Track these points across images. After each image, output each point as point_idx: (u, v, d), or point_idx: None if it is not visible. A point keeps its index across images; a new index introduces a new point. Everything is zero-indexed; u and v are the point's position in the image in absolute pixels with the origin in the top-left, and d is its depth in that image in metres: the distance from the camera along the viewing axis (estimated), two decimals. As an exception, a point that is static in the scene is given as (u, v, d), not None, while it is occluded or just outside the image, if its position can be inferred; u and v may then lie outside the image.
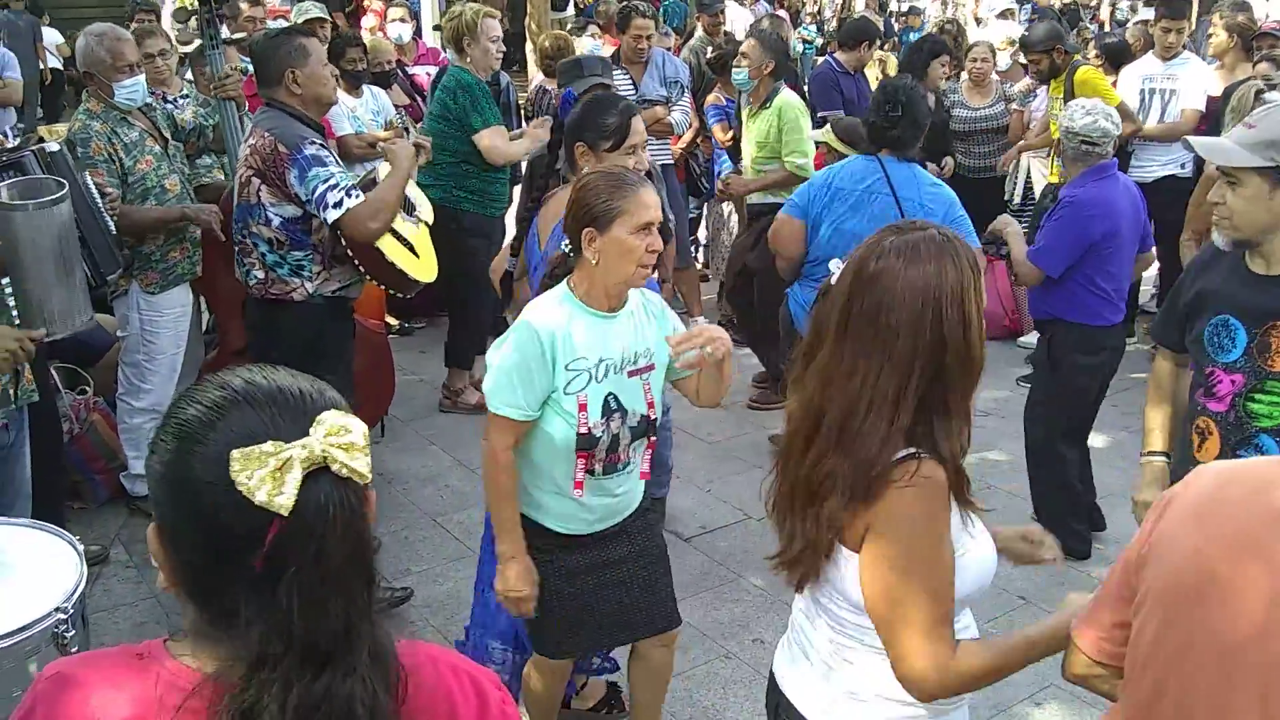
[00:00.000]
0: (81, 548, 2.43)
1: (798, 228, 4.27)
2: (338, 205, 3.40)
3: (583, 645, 2.82)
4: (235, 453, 1.02)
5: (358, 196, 3.46)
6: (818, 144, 5.12)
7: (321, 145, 3.51)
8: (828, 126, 5.02)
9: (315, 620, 1.03)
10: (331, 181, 3.41)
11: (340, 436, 1.05)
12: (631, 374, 2.56)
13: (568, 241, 2.52)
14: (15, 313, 3.12)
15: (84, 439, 4.48)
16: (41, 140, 4.84)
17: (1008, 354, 6.27)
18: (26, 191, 3.07)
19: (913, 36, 11.55)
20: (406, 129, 5.82)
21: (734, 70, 5.79)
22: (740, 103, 6.01)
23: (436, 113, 5.33)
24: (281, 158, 3.42)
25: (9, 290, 3.11)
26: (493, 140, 5.21)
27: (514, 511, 2.57)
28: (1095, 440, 4.63)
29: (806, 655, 1.91)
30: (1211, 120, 6.13)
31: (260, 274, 3.60)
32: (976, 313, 1.69)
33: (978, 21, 13.42)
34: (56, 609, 2.18)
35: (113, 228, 3.76)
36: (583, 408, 2.47)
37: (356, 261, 3.60)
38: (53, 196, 2.99)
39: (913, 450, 1.68)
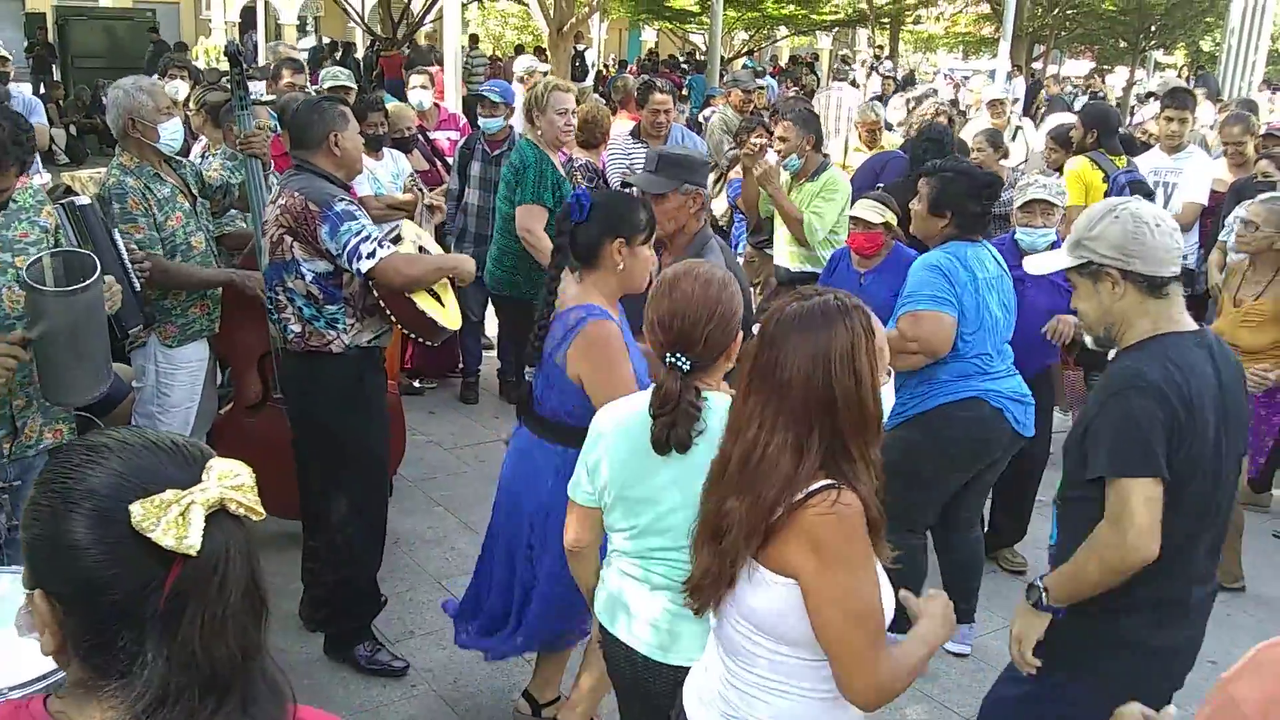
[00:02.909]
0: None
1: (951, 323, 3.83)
2: (371, 255, 3.47)
3: None
4: (135, 505, 1.10)
5: (389, 248, 3.55)
6: (869, 225, 4.68)
7: (351, 202, 3.61)
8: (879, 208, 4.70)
9: (216, 650, 1.12)
10: (364, 234, 3.49)
11: (233, 479, 1.14)
12: None
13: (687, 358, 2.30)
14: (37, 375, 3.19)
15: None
16: (69, 190, 4.94)
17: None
18: (68, 263, 3.13)
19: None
20: (422, 190, 5.91)
21: (777, 153, 5.80)
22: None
23: (504, 193, 5.50)
24: (312, 215, 3.50)
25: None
26: (525, 216, 5.30)
27: None
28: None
29: (708, 681, 2.10)
30: (1215, 213, 6.25)
31: (297, 327, 3.65)
32: (869, 371, 1.88)
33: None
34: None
35: (138, 284, 3.81)
36: None
37: (388, 310, 3.66)
38: (82, 285, 3.04)
39: (830, 481, 1.85)
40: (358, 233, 3.49)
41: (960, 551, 4.25)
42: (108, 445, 1.15)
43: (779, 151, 5.79)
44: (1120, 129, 7.31)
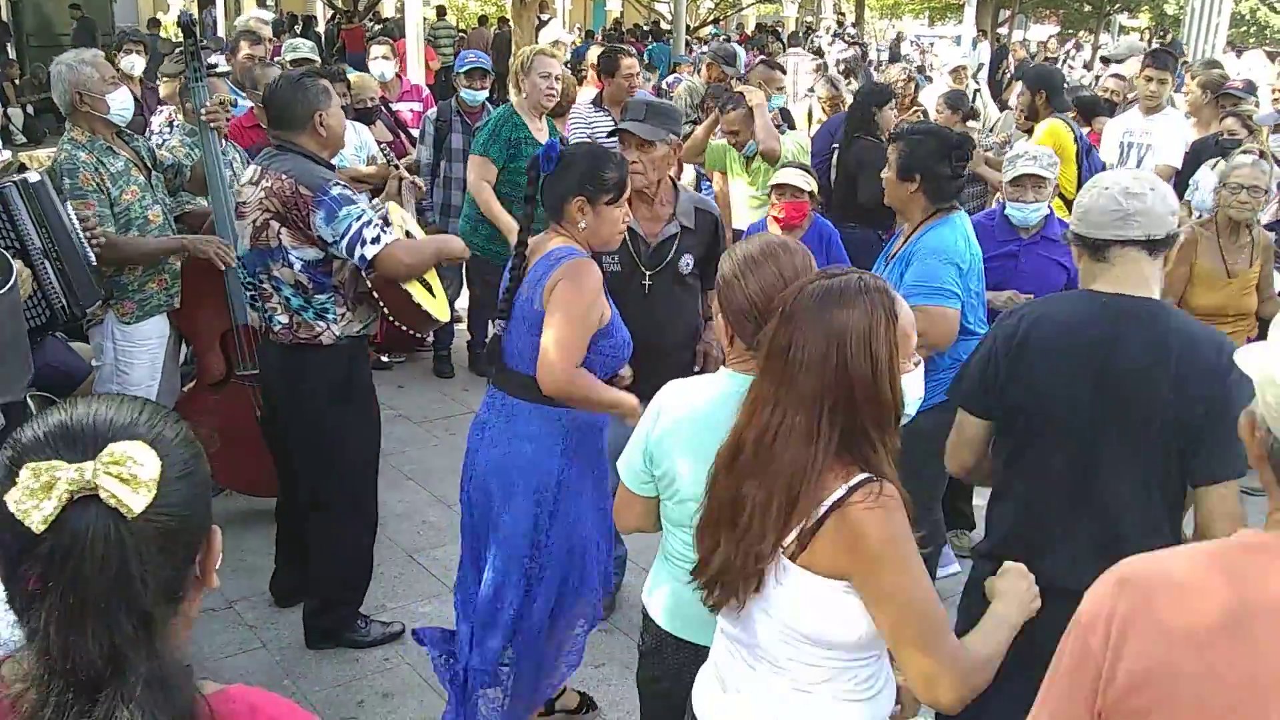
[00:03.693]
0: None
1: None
2: (375, 241, 3.32)
3: None
4: (25, 469, 1.07)
5: (392, 234, 3.41)
6: (798, 193, 4.63)
7: (345, 185, 3.44)
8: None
9: (73, 647, 1.05)
10: (365, 219, 3.33)
11: (122, 466, 1.08)
12: None
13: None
14: None
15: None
16: (24, 168, 4.84)
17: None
18: None
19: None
20: (394, 164, 5.85)
21: (724, 139, 5.76)
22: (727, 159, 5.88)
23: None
24: (304, 200, 3.32)
25: None
26: (470, 167, 5.34)
27: None
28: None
29: (724, 688, 1.95)
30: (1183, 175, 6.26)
31: (285, 318, 3.50)
32: (887, 356, 1.76)
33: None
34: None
35: (93, 259, 3.74)
36: None
37: (381, 301, 3.53)
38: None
39: (869, 475, 1.75)
40: (358, 218, 3.31)
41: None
42: (57, 409, 1.15)
43: (734, 144, 5.70)
44: (1077, 90, 7.37)
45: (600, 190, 2.92)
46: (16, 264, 3.17)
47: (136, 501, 1.07)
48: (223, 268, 4.14)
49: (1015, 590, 1.98)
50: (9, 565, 1.09)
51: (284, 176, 3.35)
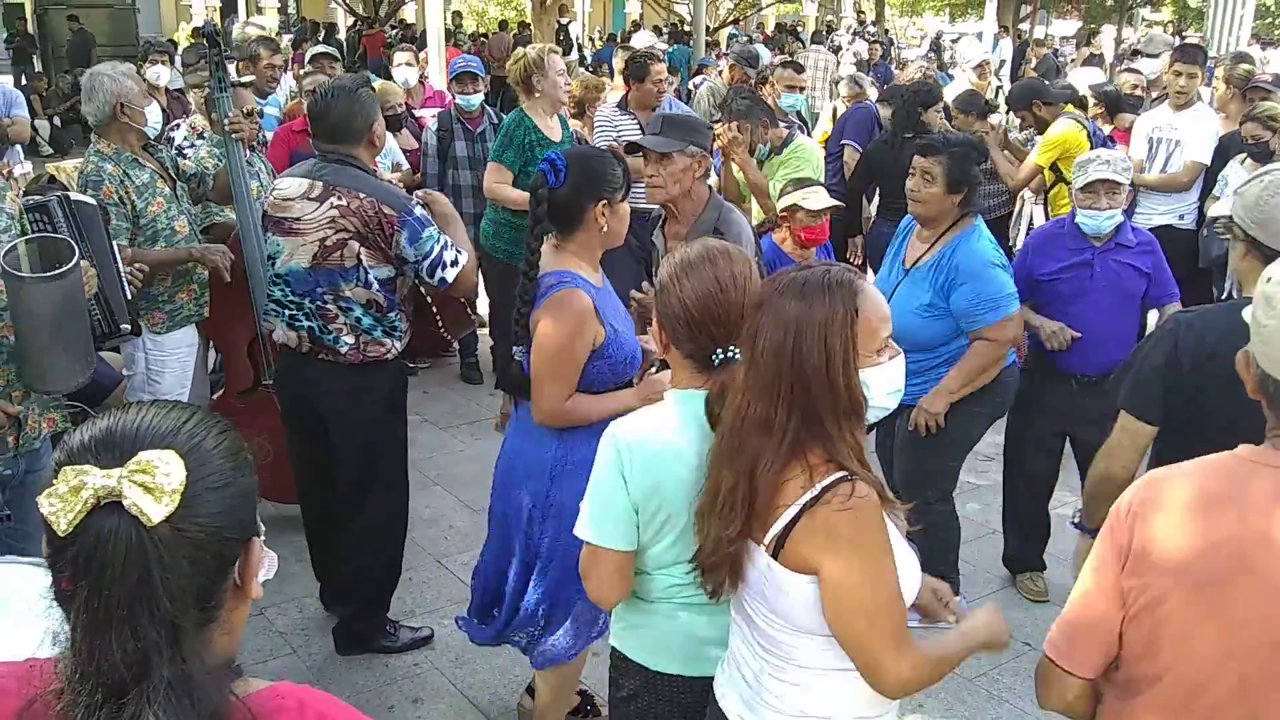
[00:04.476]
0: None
1: None
2: (454, 264, 3.38)
3: None
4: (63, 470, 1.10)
5: (465, 256, 3.45)
6: (817, 215, 4.69)
7: (417, 203, 3.45)
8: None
9: (99, 648, 1.07)
10: (444, 241, 3.38)
11: (147, 475, 1.09)
12: None
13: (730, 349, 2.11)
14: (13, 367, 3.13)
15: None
16: (52, 180, 4.89)
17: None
18: (44, 250, 3.08)
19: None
20: (421, 182, 5.87)
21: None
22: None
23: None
24: (390, 220, 3.31)
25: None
26: (490, 175, 5.30)
27: None
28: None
29: (745, 679, 1.98)
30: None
31: (351, 339, 3.46)
32: (841, 349, 1.78)
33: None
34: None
35: (129, 291, 3.73)
36: None
37: (437, 313, 3.63)
38: (59, 270, 2.99)
39: (843, 474, 1.77)
40: (438, 239, 3.36)
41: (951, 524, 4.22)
42: (111, 414, 1.18)
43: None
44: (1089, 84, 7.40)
45: (615, 190, 2.93)
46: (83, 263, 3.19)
47: (156, 510, 1.08)
48: (227, 279, 4.17)
49: (990, 620, 2.02)
50: (50, 567, 1.12)
51: (362, 195, 3.31)
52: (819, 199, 4.69)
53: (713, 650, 2.14)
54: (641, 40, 10.97)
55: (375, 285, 3.40)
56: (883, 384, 1.89)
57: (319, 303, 3.44)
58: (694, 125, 3.76)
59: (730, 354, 2.06)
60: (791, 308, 1.80)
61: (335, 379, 3.55)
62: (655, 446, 2.07)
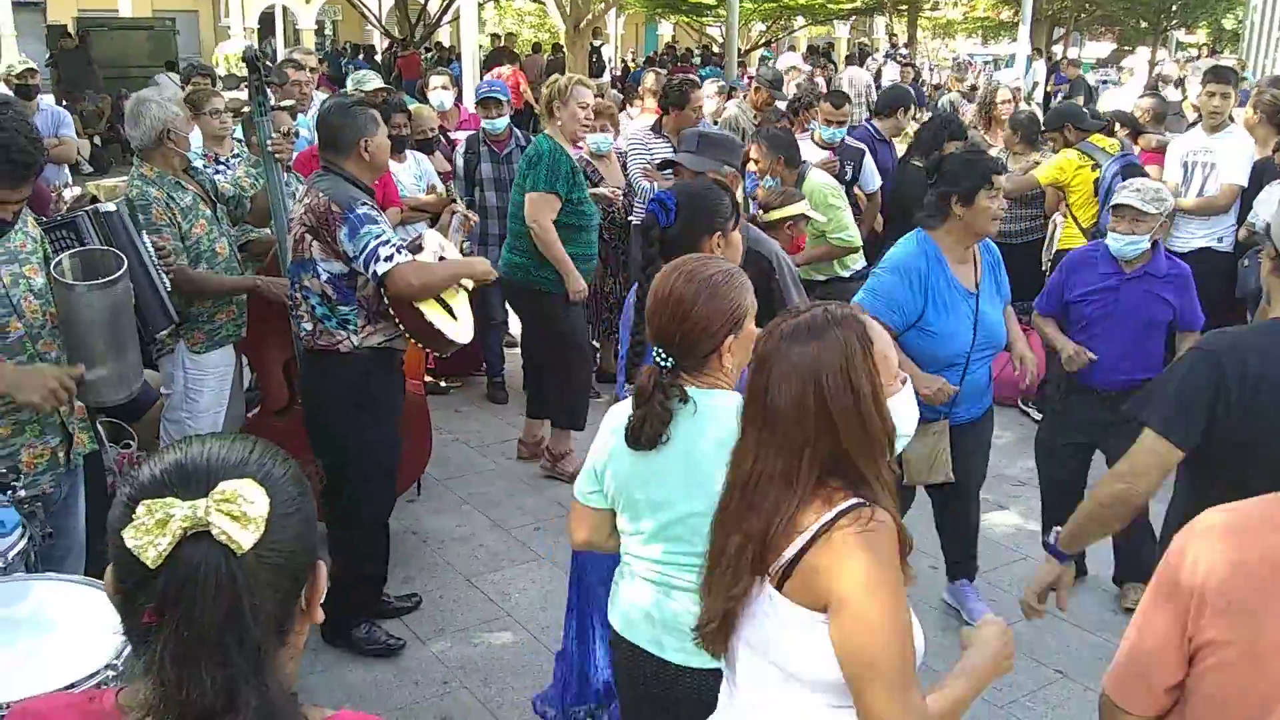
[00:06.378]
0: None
1: None
2: (388, 259, 3.54)
3: None
4: (141, 506, 1.10)
5: (406, 256, 3.62)
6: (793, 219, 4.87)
7: (373, 207, 3.68)
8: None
9: (188, 679, 1.08)
10: (383, 238, 3.57)
11: (232, 504, 1.11)
12: None
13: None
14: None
15: (126, 493, 4.53)
16: (95, 199, 4.98)
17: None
18: (87, 262, 3.15)
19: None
20: (454, 199, 5.88)
21: (748, 174, 5.75)
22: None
23: (519, 181, 5.44)
24: (334, 216, 3.57)
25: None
26: (534, 205, 5.23)
27: None
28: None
29: None
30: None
31: (309, 325, 3.75)
32: (869, 384, 1.72)
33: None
34: (108, 665, 2.20)
35: (167, 285, 3.85)
36: None
37: (396, 318, 3.73)
38: (110, 277, 3.06)
39: (860, 500, 1.70)
40: (378, 236, 3.56)
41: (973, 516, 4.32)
42: (174, 449, 1.20)
43: (754, 172, 5.65)
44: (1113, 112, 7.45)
45: (727, 219, 3.00)
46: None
47: (246, 538, 1.10)
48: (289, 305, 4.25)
49: (991, 643, 1.91)
50: (126, 600, 1.13)
51: (321, 194, 3.61)
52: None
53: (654, 628, 2.29)
54: (785, 62, 11.48)
55: (325, 277, 3.67)
56: (905, 411, 1.87)
57: (292, 290, 3.79)
58: (730, 145, 3.86)
59: (661, 356, 2.20)
60: (802, 355, 1.73)
61: (303, 364, 3.94)
62: (617, 425, 2.33)
